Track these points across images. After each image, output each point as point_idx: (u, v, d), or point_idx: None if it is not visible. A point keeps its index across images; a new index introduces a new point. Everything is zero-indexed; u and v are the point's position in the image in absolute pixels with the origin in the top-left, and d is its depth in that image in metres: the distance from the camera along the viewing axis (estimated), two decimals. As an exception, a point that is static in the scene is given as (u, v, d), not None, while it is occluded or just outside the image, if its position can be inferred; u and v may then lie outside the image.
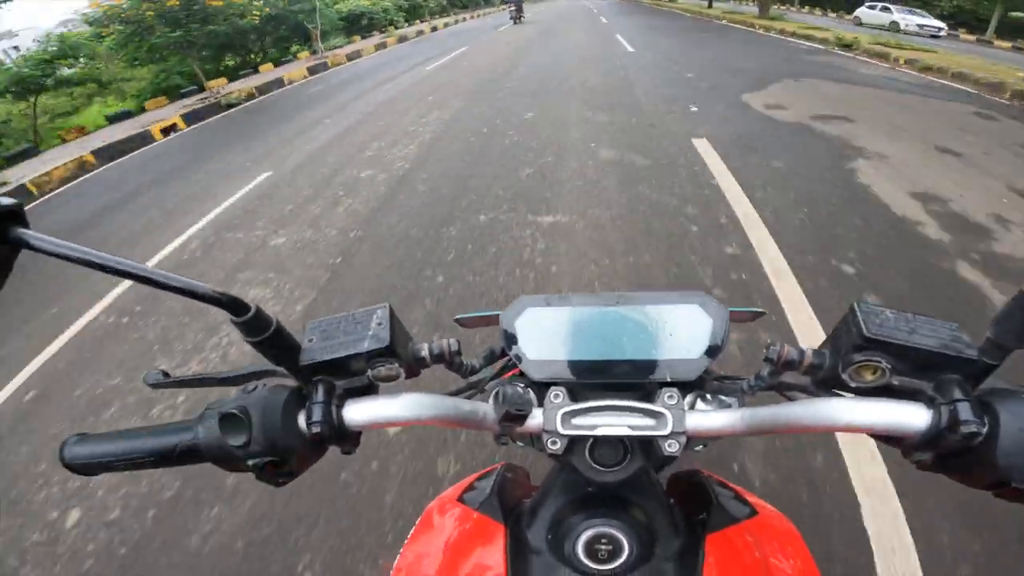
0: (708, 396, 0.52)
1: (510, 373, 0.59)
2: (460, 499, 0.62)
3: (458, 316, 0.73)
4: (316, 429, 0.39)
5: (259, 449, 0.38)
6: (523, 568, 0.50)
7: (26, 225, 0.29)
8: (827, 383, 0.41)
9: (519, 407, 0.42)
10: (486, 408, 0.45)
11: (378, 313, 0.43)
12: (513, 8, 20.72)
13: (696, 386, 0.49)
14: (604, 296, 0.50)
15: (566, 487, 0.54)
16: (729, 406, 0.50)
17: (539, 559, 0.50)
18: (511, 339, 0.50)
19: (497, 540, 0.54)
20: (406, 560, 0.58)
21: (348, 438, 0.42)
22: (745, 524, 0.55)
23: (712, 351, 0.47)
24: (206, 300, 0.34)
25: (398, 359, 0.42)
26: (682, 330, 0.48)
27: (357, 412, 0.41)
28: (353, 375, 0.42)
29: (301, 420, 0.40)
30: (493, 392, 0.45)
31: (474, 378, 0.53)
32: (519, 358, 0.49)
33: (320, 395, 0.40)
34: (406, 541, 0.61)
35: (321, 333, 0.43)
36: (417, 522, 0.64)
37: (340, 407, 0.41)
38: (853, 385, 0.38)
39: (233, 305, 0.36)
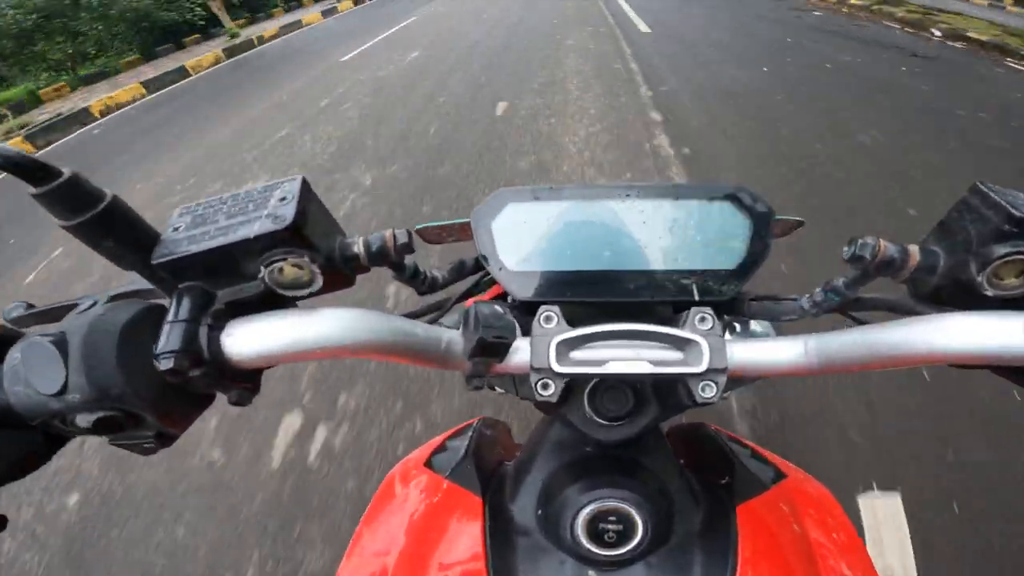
0: (738, 327, 0.40)
1: (487, 295, 0.46)
2: (428, 463, 0.50)
3: (419, 225, 0.57)
4: (168, 363, 0.24)
5: (80, 398, 0.23)
6: (507, 554, 0.38)
7: None
8: (939, 294, 0.29)
9: (498, 333, 0.29)
10: (451, 336, 0.32)
11: (284, 187, 0.28)
12: None
13: (729, 308, 0.37)
14: (609, 187, 0.37)
15: (558, 448, 0.42)
16: (767, 335, 0.38)
17: (527, 541, 0.39)
18: (488, 245, 0.36)
19: (473, 517, 0.42)
20: (360, 543, 0.46)
21: (234, 377, 0.28)
22: (775, 490, 0.45)
23: (750, 262, 0.35)
24: None
25: (311, 253, 0.27)
26: (712, 233, 0.36)
27: (244, 337, 0.27)
28: (243, 280, 0.28)
29: (154, 352, 0.26)
30: (463, 315, 0.32)
31: (436, 298, 0.40)
32: (499, 270, 0.35)
33: (184, 311, 0.26)
34: (362, 517, 0.48)
35: (195, 218, 0.28)
36: (376, 492, 0.51)
37: (217, 329, 0.27)
38: (990, 293, 0.26)
39: (30, 169, 0.22)
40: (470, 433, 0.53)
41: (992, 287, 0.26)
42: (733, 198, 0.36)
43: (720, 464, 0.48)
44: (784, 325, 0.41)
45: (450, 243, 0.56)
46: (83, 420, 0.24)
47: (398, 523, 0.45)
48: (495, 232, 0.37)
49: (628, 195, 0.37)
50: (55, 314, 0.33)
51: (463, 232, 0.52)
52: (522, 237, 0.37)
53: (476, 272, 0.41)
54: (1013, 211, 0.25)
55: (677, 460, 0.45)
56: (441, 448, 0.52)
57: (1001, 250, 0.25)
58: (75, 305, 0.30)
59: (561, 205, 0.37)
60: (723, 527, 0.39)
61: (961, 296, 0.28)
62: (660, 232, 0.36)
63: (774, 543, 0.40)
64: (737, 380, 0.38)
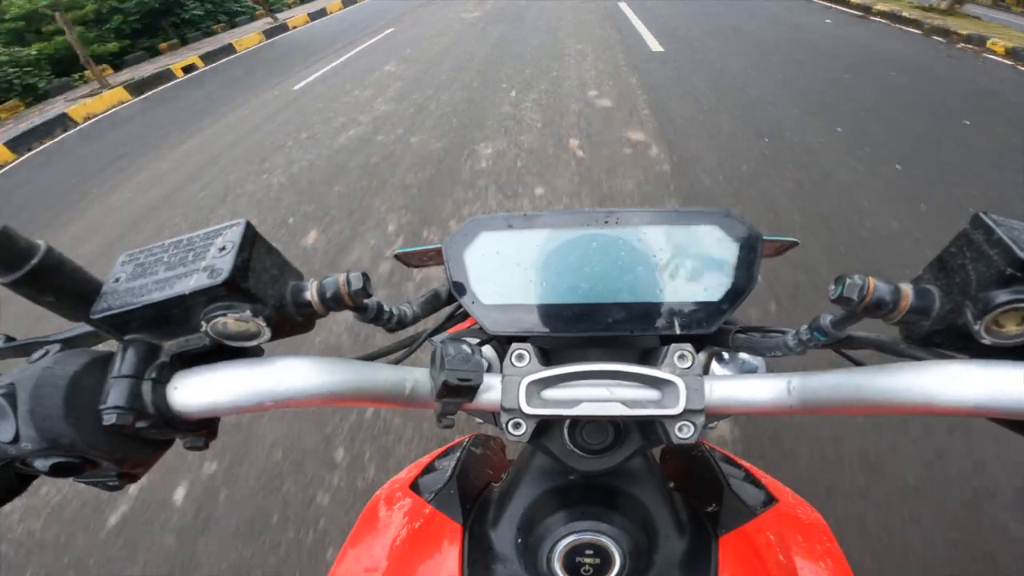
0: (726, 355, 0.38)
1: (460, 326, 0.45)
2: (413, 486, 0.50)
3: (398, 250, 0.56)
4: (111, 419, 0.24)
5: (31, 447, 0.23)
6: None
7: None
8: (933, 338, 0.27)
9: (464, 376, 0.28)
10: (418, 376, 0.31)
11: (226, 234, 0.27)
12: None
13: (714, 340, 0.36)
14: (587, 214, 0.36)
15: (541, 475, 0.41)
16: (754, 368, 0.37)
17: (505, 570, 0.39)
18: (460, 276, 0.35)
19: (452, 544, 0.42)
20: (344, 564, 0.46)
21: (186, 427, 0.27)
22: (763, 516, 0.44)
23: (737, 291, 0.34)
24: None
25: (254, 307, 0.26)
26: (696, 261, 0.34)
27: (190, 390, 0.26)
28: (189, 332, 0.27)
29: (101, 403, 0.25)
30: (431, 353, 0.31)
31: (407, 334, 0.39)
32: (471, 303, 0.34)
33: (127, 366, 0.25)
34: (347, 539, 0.49)
35: (136, 267, 0.27)
36: (361, 512, 0.51)
37: (162, 383, 0.26)
38: (988, 341, 0.24)
39: None
40: (458, 453, 0.53)
41: (990, 335, 0.24)
42: (719, 222, 0.35)
43: (710, 488, 0.46)
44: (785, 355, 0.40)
45: (430, 266, 0.55)
46: (40, 465, 0.24)
47: (381, 546, 0.45)
48: (467, 263, 0.35)
49: (607, 221, 0.35)
50: (33, 348, 0.33)
51: (440, 256, 0.51)
52: (496, 268, 0.35)
53: (450, 303, 0.39)
54: (1018, 252, 0.22)
55: (666, 484, 0.44)
56: (428, 469, 0.52)
57: (1003, 297, 0.23)
58: (30, 343, 0.30)
59: (536, 233, 0.35)
60: (704, 559, 0.39)
61: (956, 341, 0.26)
62: (641, 261, 0.35)
63: (755, 572, 0.39)
64: (718, 416, 0.37)
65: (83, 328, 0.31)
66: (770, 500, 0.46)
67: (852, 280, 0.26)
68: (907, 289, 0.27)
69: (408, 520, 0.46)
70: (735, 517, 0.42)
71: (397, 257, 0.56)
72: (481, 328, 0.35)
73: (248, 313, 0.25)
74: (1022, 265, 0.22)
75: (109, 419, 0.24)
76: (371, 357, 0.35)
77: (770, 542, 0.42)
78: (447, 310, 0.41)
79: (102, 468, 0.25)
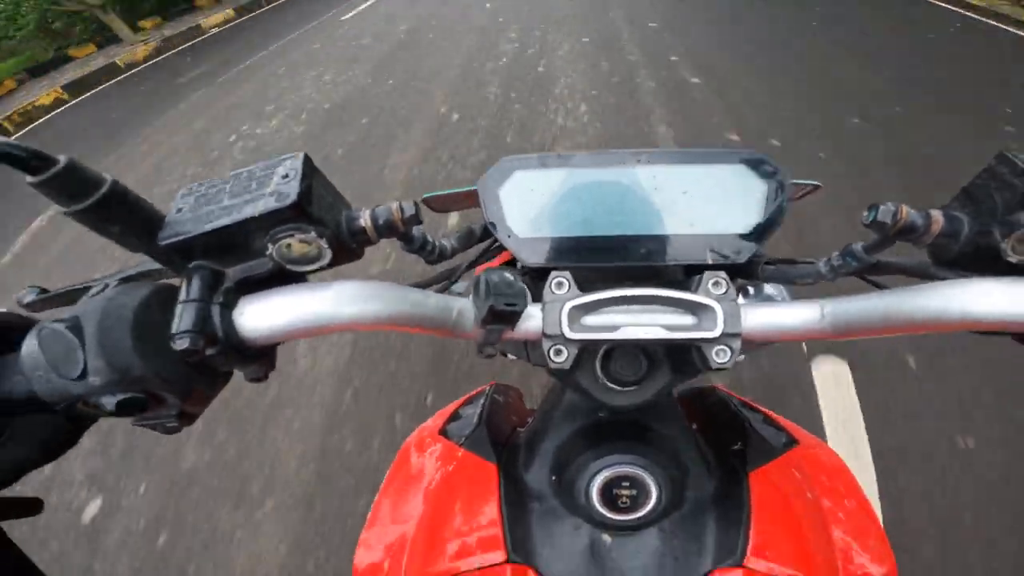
0: (751, 290, 0.39)
1: (496, 262, 0.45)
2: (443, 431, 0.51)
3: (426, 195, 0.56)
4: (183, 343, 0.24)
5: (100, 381, 0.23)
6: (522, 518, 0.39)
7: None
8: (961, 260, 0.28)
9: (509, 300, 0.29)
10: (462, 304, 0.32)
11: (287, 163, 0.28)
12: None
13: (743, 272, 0.37)
14: (619, 154, 0.36)
15: (570, 413, 0.42)
16: (780, 299, 0.38)
17: (542, 507, 0.40)
18: (495, 213, 0.36)
19: (488, 484, 0.43)
20: (380, 513, 0.47)
21: (249, 354, 0.28)
22: (787, 456, 0.45)
23: (765, 225, 0.35)
24: None
25: (317, 228, 0.27)
26: (726, 197, 0.35)
27: (255, 314, 0.27)
28: (252, 258, 0.28)
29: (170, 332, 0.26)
30: (473, 283, 0.32)
31: (444, 267, 0.40)
32: (507, 237, 0.35)
33: (195, 291, 0.26)
34: (381, 486, 0.50)
35: (197, 199, 0.28)
36: (393, 461, 0.53)
37: (228, 307, 0.27)
38: (1014, 259, 0.26)
39: (25, 158, 0.22)
40: (483, 400, 0.54)
41: (1016, 254, 0.26)
42: (748, 162, 0.35)
43: (732, 429, 0.48)
44: (798, 289, 0.41)
45: (458, 211, 0.55)
46: (107, 402, 0.24)
47: (415, 492, 0.46)
48: (503, 199, 0.36)
49: (639, 161, 0.36)
50: (70, 297, 0.33)
51: (470, 200, 0.51)
52: (531, 204, 0.36)
53: (485, 240, 0.40)
54: None
55: (690, 425, 0.45)
56: (455, 416, 0.53)
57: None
58: (87, 288, 0.30)
59: (570, 172, 0.36)
60: (736, 493, 0.40)
61: (983, 262, 0.27)
62: (673, 197, 0.36)
63: (787, 509, 0.40)
64: (751, 344, 0.38)
65: (132, 270, 0.32)
66: (791, 441, 0.47)
67: (885, 206, 0.28)
68: (937, 215, 0.28)
69: (441, 464, 0.47)
70: (760, 455, 0.44)
71: (425, 202, 0.56)
72: (516, 264, 0.36)
73: (313, 234, 0.26)
74: None
75: (182, 343, 0.24)
76: (415, 286, 0.36)
77: (797, 479, 0.43)
78: (482, 246, 0.42)
79: (166, 405, 0.26)
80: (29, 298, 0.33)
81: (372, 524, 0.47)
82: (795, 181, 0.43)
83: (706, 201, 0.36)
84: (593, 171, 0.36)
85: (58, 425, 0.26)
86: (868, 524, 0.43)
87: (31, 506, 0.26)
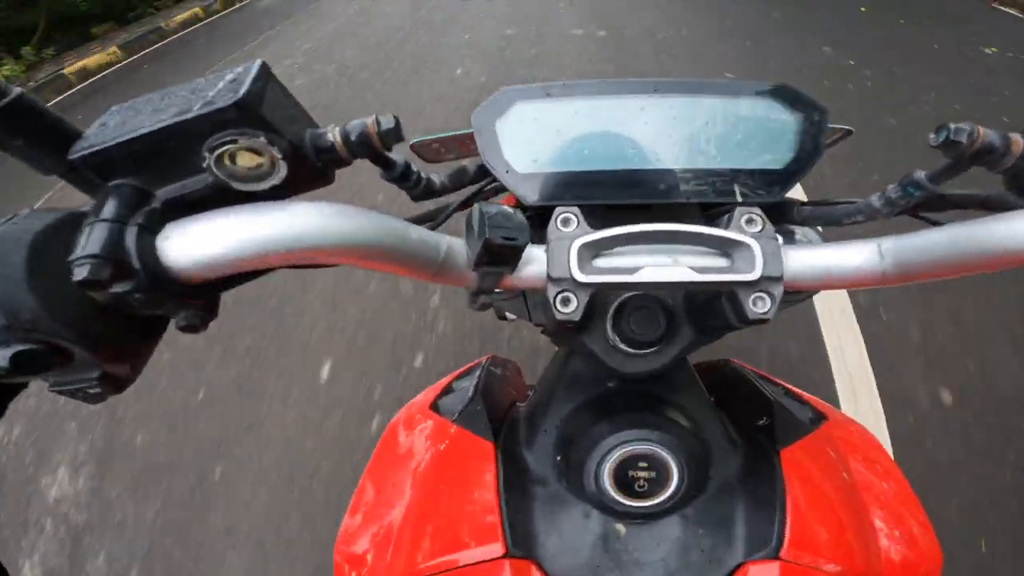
0: (781, 237, 0.35)
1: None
2: (434, 407, 0.46)
3: (414, 140, 0.50)
4: (83, 272, 0.19)
5: None
6: (524, 506, 0.34)
7: None
8: None
9: (508, 234, 0.24)
10: (453, 242, 0.27)
11: (237, 70, 0.22)
12: None
13: (777, 213, 0.32)
14: (633, 82, 0.32)
15: (576, 384, 0.37)
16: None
17: (545, 492, 0.35)
18: (492, 147, 0.31)
19: (484, 464, 0.38)
20: (363, 498, 0.42)
21: (180, 294, 0.22)
22: (818, 433, 0.40)
23: (800, 163, 0.30)
24: None
25: (269, 135, 0.21)
26: (755, 131, 0.31)
27: (185, 239, 0.21)
28: (187, 176, 0.22)
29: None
30: (466, 218, 0.26)
31: (433, 205, 0.34)
32: (505, 172, 0.30)
33: (108, 211, 0.20)
34: (364, 471, 0.45)
35: (125, 113, 0.23)
36: (379, 441, 0.48)
37: (150, 232, 0.21)
38: None
39: None
40: (478, 373, 0.49)
41: None
42: (778, 95, 0.31)
43: (755, 405, 0.43)
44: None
45: (452, 160, 0.50)
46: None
47: (403, 475, 0.41)
48: (500, 133, 0.31)
49: (655, 90, 0.31)
50: None
51: (465, 146, 0.46)
52: (532, 137, 0.31)
53: (479, 180, 0.35)
54: None
55: (709, 397, 0.40)
56: (447, 390, 0.48)
57: None
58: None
59: (578, 102, 0.31)
60: (767, 474, 0.35)
61: None
62: (694, 129, 0.31)
63: (824, 491, 0.35)
64: (793, 295, 0.33)
65: (53, 206, 0.26)
66: (820, 417, 0.43)
67: (959, 126, 0.24)
68: (1017, 136, 0.24)
69: (432, 443, 0.42)
70: (790, 432, 0.39)
71: (413, 148, 0.51)
72: (516, 204, 0.31)
73: (262, 139, 0.21)
74: None
75: (80, 272, 0.19)
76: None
77: (832, 459, 0.39)
78: (476, 187, 0.36)
79: (78, 364, 0.20)
80: None
81: (355, 511, 0.42)
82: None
83: (733, 135, 0.31)
84: (603, 100, 0.31)
85: None
86: (910, 508, 0.38)
87: None
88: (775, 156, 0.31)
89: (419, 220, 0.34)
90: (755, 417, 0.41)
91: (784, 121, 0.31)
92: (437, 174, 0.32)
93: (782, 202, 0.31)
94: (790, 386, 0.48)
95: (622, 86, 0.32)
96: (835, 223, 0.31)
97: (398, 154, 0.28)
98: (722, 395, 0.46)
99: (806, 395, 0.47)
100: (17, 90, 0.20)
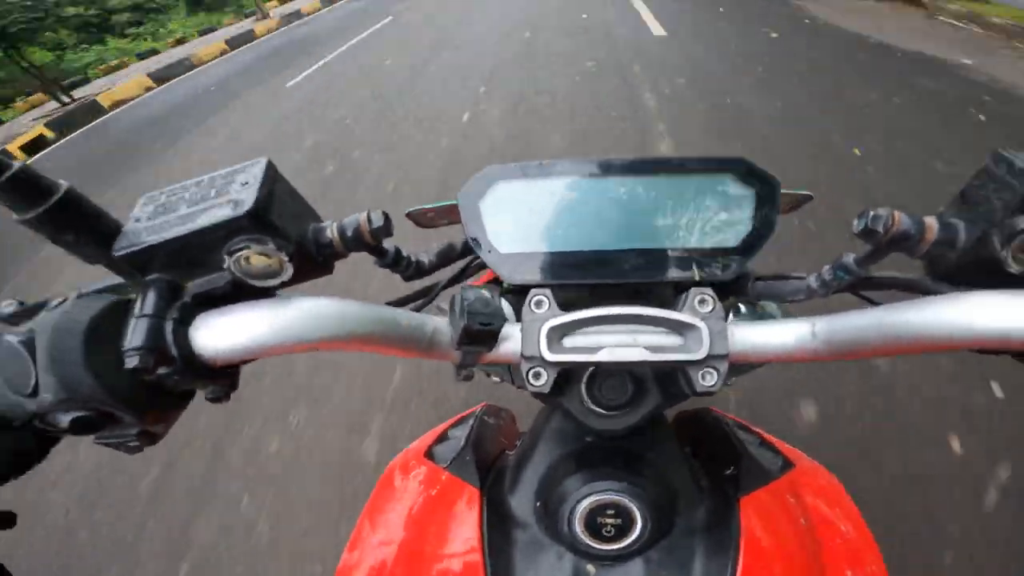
0: (743, 308, 0.38)
1: (480, 280, 0.44)
2: (428, 454, 0.49)
3: (409, 209, 0.55)
4: (134, 361, 0.23)
5: (51, 398, 0.22)
6: (504, 546, 0.38)
7: None
8: (959, 272, 0.27)
9: (485, 320, 0.28)
10: (438, 323, 0.30)
11: (248, 171, 0.27)
12: None
13: (732, 289, 0.35)
14: (603, 162, 0.35)
15: (558, 437, 0.40)
16: (772, 317, 0.37)
17: (525, 534, 0.38)
18: (476, 227, 0.35)
19: (471, 509, 0.41)
20: (362, 535, 0.45)
21: (207, 374, 0.26)
22: (782, 480, 0.43)
23: (755, 239, 0.33)
24: None
25: (277, 240, 0.26)
26: (713, 209, 0.34)
27: (212, 331, 0.25)
28: (211, 271, 0.27)
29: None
30: (450, 300, 0.30)
31: (421, 284, 0.38)
32: (488, 252, 0.34)
33: (149, 306, 0.24)
34: (363, 510, 0.48)
35: (156, 208, 0.27)
36: (376, 483, 0.51)
37: (184, 324, 0.25)
38: (1015, 270, 0.24)
39: None
40: (471, 422, 0.52)
41: (1018, 263, 0.24)
42: (735, 171, 0.34)
43: (726, 452, 0.46)
44: (792, 306, 0.39)
45: (444, 226, 0.55)
46: (60, 420, 0.23)
47: (398, 515, 0.44)
48: (483, 212, 0.35)
49: (624, 170, 0.35)
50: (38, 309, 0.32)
51: (455, 214, 0.51)
52: (512, 217, 0.35)
53: (465, 256, 0.39)
54: None
55: (682, 448, 0.43)
56: (442, 438, 0.52)
57: None
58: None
59: (552, 182, 0.35)
60: (726, 520, 0.38)
61: (984, 274, 0.26)
62: (658, 209, 0.35)
63: (778, 536, 0.38)
64: (740, 366, 0.36)
65: (101, 284, 0.31)
66: (787, 465, 0.46)
67: (876, 212, 0.26)
68: (931, 221, 0.27)
69: (424, 488, 0.45)
70: (754, 480, 0.42)
71: (409, 216, 0.55)
72: (498, 281, 0.35)
73: (271, 246, 0.25)
74: None
75: (131, 361, 0.23)
76: (389, 305, 0.35)
77: (790, 505, 0.41)
78: (463, 262, 0.40)
79: (123, 424, 0.25)
80: (8, 310, 0.32)
81: (353, 547, 0.45)
82: (784, 191, 0.42)
83: (693, 214, 0.34)
84: (576, 181, 0.35)
85: (21, 441, 0.25)
86: (865, 551, 0.41)
87: (4, 520, 0.25)
88: (731, 234, 0.34)
89: (410, 299, 0.38)
90: (725, 465, 0.44)
91: (740, 197, 0.34)
92: (426, 254, 0.36)
93: (738, 277, 0.35)
94: (765, 435, 0.51)
95: (592, 165, 0.35)
96: (782, 300, 0.35)
97: (388, 242, 0.32)
98: (699, 443, 0.49)
99: (780, 443, 0.50)
100: (65, 184, 0.24)
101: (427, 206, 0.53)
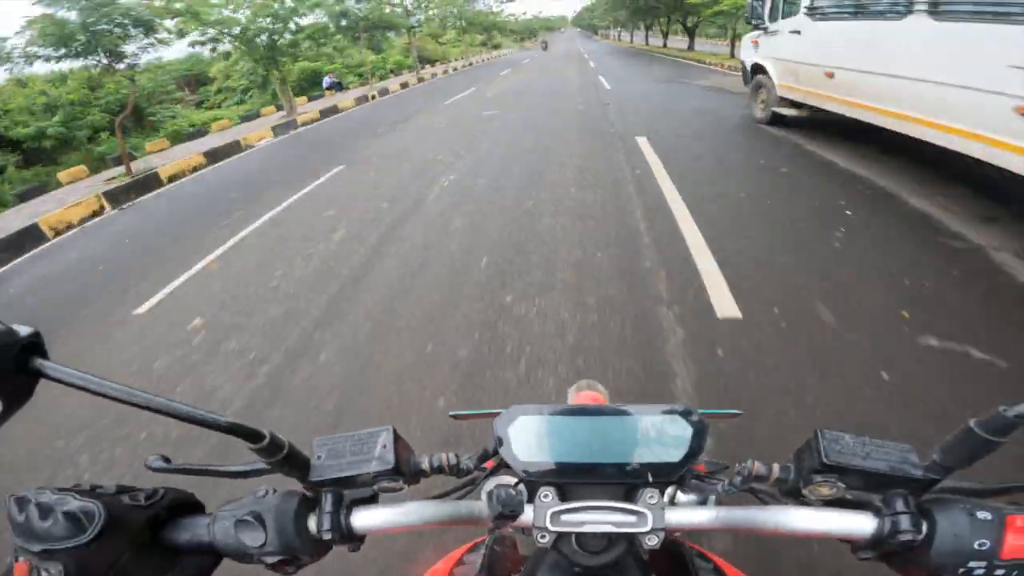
0: (685, 490, 0.56)
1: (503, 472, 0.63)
2: (451, 575, 0.63)
3: (453, 412, 0.81)
4: (327, 536, 0.42)
5: (273, 550, 0.41)
6: None
7: (45, 355, 0.30)
8: (792, 493, 0.46)
9: (512, 508, 0.45)
10: (480, 507, 0.49)
11: (382, 436, 0.46)
12: (543, 43, 47.19)
13: (676, 482, 0.53)
14: (595, 408, 0.54)
15: (553, 569, 0.56)
16: (706, 499, 0.54)
17: None
18: (505, 443, 0.52)
19: None
20: None
21: (352, 539, 0.45)
22: None
23: (689, 456, 0.50)
24: (223, 430, 0.38)
25: (402, 475, 0.46)
26: (664, 436, 0.51)
27: (363, 519, 0.45)
28: (359, 487, 0.47)
29: (312, 525, 0.43)
30: (487, 492, 0.48)
31: (467, 477, 0.57)
32: (513, 459, 0.52)
33: (329, 505, 0.44)
34: None
35: (328, 451, 0.46)
36: None
37: (347, 515, 0.44)
38: (812, 499, 0.44)
39: (249, 434, 0.40)
40: (483, 550, 0.66)
41: (813, 495, 0.44)
42: (681, 413, 0.52)
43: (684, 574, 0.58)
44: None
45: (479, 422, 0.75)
46: (269, 559, 0.41)
47: None
48: (511, 436, 0.52)
49: (610, 413, 0.53)
50: (189, 471, 0.46)
51: (488, 418, 0.71)
52: (530, 438, 0.52)
53: (496, 456, 0.56)
54: (824, 458, 0.41)
55: (652, 574, 0.58)
56: (460, 562, 0.65)
57: (817, 478, 0.43)
58: (205, 469, 0.44)
59: (559, 418, 0.53)
60: None
61: (800, 497, 0.45)
62: (629, 436, 0.52)
63: None
64: (671, 532, 0.53)
65: (246, 465, 0.47)
66: None
67: (746, 464, 0.47)
68: (776, 467, 0.46)
69: None
70: None
71: (453, 416, 0.79)
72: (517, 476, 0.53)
73: (401, 482, 0.46)
74: (824, 464, 0.42)
75: (327, 536, 0.42)
76: (446, 494, 0.54)
77: None
78: (493, 461, 0.58)
79: (298, 563, 0.42)
80: (156, 464, 0.43)
81: None
82: (712, 412, 0.62)
83: (651, 440, 0.51)
84: (575, 419, 0.53)
85: (214, 563, 0.43)
86: None
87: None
88: (675, 453, 0.50)
89: (461, 487, 0.57)
90: None
91: (684, 428, 0.51)
92: (469, 458, 0.54)
93: (680, 478, 0.51)
94: (723, 563, 0.62)
95: (588, 410, 0.53)
96: (704, 494, 0.52)
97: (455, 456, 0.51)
98: (667, 570, 0.63)
99: (731, 570, 0.61)
100: (269, 432, 0.40)
101: (469, 412, 0.78)
